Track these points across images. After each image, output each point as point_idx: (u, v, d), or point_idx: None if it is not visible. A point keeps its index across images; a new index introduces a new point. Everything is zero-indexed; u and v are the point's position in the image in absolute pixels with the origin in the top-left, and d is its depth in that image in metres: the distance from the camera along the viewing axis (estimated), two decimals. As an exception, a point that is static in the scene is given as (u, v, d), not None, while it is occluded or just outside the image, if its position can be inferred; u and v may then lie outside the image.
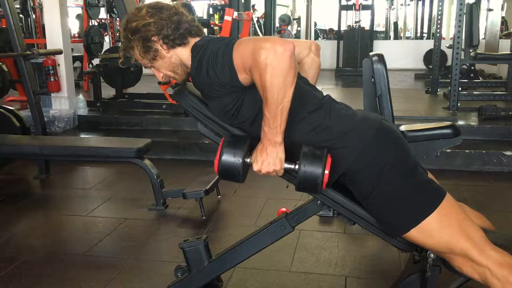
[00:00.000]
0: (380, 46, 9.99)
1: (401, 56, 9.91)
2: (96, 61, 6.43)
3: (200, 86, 1.49)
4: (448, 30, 13.40)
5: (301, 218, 1.64)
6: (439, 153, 2.21)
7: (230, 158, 1.39)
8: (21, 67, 3.68)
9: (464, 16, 4.88)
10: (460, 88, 4.83)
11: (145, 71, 4.80)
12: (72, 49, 5.93)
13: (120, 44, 1.67)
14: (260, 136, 1.39)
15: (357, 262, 2.33)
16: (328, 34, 14.02)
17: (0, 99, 4.87)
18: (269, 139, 1.36)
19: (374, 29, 10.90)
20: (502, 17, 9.57)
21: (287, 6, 14.04)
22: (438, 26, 6.46)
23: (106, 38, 7.88)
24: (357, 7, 9.67)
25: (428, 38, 11.37)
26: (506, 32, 9.30)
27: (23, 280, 2.18)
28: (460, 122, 4.32)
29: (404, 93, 6.43)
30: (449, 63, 5.98)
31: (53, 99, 4.94)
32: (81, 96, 6.29)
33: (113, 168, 3.89)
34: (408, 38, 13.42)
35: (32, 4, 7.69)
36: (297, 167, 1.39)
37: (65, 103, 4.94)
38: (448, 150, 3.69)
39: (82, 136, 4.67)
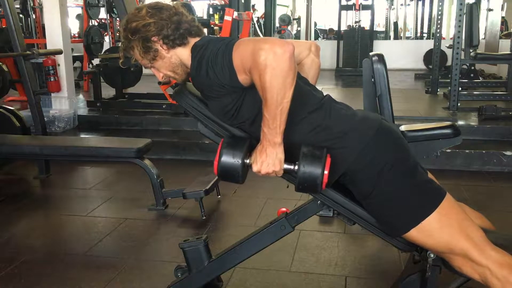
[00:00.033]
0: (380, 46, 9.99)
1: (401, 56, 9.90)
2: (96, 61, 6.43)
3: (200, 86, 1.49)
4: (448, 30, 13.39)
5: (301, 218, 1.64)
6: (439, 153, 2.21)
7: (229, 159, 1.39)
8: (21, 67, 3.68)
9: (464, 16, 4.88)
10: (460, 88, 4.83)
11: (145, 71, 4.79)
12: (72, 49, 5.93)
13: (120, 44, 1.67)
14: (260, 136, 1.39)
15: (357, 262, 2.33)
16: (328, 34, 14.02)
17: (0, 99, 4.87)
18: (269, 139, 1.36)
19: (374, 29, 10.89)
20: (502, 17, 9.58)
21: (287, 6, 14.02)
22: (438, 26, 6.45)
23: (106, 38, 7.88)
24: (357, 7, 9.66)
25: (428, 38, 11.37)
26: (506, 32, 9.31)
27: (23, 280, 2.18)
28: (460, 122, 4.32)
29: (404, 93, 6.43)
30: (449, 63, 5.98)
31: (53, 99, 4.94)
32: (81, 96, 6.29)
33: (113, 168, 3.89)
34: (408, 38, 13.41)
35: (32, 4, 7.69)
36: (296, 167, 1.39)
37: (65, 103, 4.94)
38: (448, 150, 3.69)
39: (82, 136, 4.67)
